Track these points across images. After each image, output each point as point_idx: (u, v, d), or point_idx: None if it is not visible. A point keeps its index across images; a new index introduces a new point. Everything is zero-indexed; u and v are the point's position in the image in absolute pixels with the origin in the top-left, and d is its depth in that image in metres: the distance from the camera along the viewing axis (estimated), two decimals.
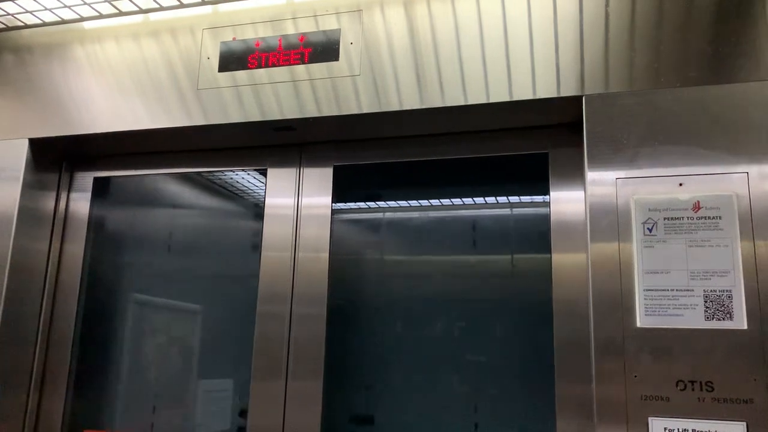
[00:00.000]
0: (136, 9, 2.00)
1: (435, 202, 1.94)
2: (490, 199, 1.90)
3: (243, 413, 1.91)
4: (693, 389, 1.36)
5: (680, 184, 1.47)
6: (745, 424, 1.32)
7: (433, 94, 1.70)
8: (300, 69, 1.83)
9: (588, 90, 1.58)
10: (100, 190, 2.23)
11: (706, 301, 1.40)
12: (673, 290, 1.43)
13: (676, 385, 1.37)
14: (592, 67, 1.59)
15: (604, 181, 1.52)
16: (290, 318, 1.88)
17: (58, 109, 2.06)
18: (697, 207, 1.45)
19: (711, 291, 1.40)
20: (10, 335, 2.00)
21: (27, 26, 2.15)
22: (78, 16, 2.07)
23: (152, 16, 2.03)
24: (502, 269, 1.82)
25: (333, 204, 1.94)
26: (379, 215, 1.99)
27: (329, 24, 1.83)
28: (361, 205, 2.02)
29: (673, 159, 1.48)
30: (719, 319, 1.38)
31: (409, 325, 1.87)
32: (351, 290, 1.95)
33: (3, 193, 2.04)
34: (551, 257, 1.70)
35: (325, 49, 1.82)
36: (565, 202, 1.73)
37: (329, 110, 1.78)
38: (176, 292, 2.11)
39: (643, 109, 1.52)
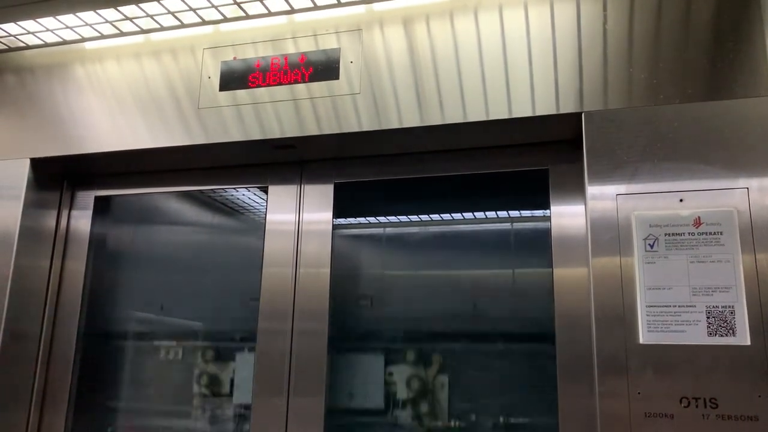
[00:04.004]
0: (137, 29, 2.02)
1: (436, 217, 1.95)
2: (491, 214, 1.90)
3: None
4: (697, 406, 1.36)
5: (681, 200, 1.48)
6: None
7: (432, 112, 1.71)
8: (300, 88, 1.84)
9: (587, 107, 1.59)
10: (101, 208, 2.23)
11: (708, 317, 1.40)
12: (675, 306, 1.43)
13: (680, 402, 1.37)
14: (590, 84, 1.60)
15: (604, 197, 1.53)
16: (292, 334, 1.88)
17: (59, 129, 2.06)
18: (697, 222, 1.46)
19: (713, 307, 1.40)
20: (11, 353, 1.99)
21: (29, 47, 2.16)
22: (79, 37, 2.08)
23: (153, 36, 2.04)
24: (503, 284, 1.82)
25: (334, 220, 1.95)
26: (380, 231, 1.99)
27: (329, 43, 1.84)
28: (362, 220, 2.03)
29: (673, 175, 1.49)
30: (722, 335, 1.38)
31: (409, 340, 1.87)
32: (353, 306, 1.95)
33: (5, 212, 2.04)
34: (552, 272, 1.71)
35: (325, 68, 1.83)
36: (565, 217, 1.74)
37: (330, 128, 1.79)
38: (177, 309, 2.11)
39: (643, 126, 1.53)
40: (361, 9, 1.84)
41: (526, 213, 1.87)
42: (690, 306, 1.42)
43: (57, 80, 2.12)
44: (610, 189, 1.52)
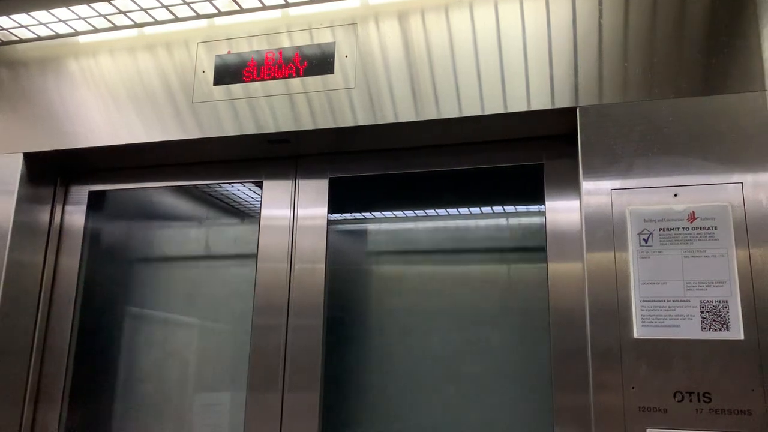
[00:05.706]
0: (131, 23, 2.01)
1: (431, 212, 1.95)
2: (486, 210, 1.90)
3: None
4: (691, 400, 1.36)
5: (675, 195, 1.48)
6: None
7: (427, 107, 1.71)
8: (295, 82, 1.83)
9: (582, 101, 1.59)
10: (96, 203, 2.23)
11: (702, 312, 1.40)
12: (669, 301, 1.43)
13: (674, 397, 1.37)
14: (585, 79, 1.60)
15: (599, 192, 1.53)
16: (286, 329, 1.88)
17: (53, 123, 2.05)
18: (692, 217, 1.46)
19: (707, 301, 1.41)
20: (5, 348, 1.99)
21: (22, 41, 2.15)
22: (73, 31, 2.07)
23: (147, 30, 2.03)
24: (498, 279, 1.82)
25: (329, 215, 1.94)
26: (375, 226, 1.99)
27: (324, 37, 1.84)
28: (357, 216, 2.03)
29: (668, 170, 1.49)
30: (716, 330, 1.38)
31: (403, 336, 1.87)
32: (347, 301, 1.94)
33: None
34: (547, 267, 1.71)
35: (320, 62, 1.82)
36: (560, 212, 1.74)
37: (324, 123, 1.78)
38: (171, 304, 2.10)
39: (637, 120, 1.53)
40: (356, 3, 1.83)
41: (521, 209, 1.86)
42: (684, 301, 1.42)
43: (50, 74, 2.11)
44: (605, 184, 1.52)
